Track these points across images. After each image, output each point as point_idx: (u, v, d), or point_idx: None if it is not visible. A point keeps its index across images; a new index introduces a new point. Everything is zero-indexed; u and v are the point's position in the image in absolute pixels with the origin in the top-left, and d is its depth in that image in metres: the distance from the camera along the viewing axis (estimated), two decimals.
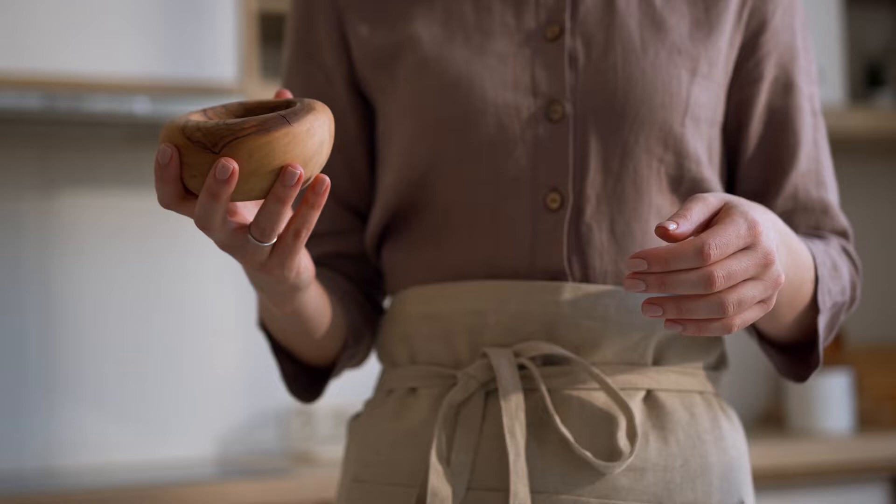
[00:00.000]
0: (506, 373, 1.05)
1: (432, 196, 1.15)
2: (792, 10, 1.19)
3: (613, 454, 1.07)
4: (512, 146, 1.12)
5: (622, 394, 1.09)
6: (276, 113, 0.89)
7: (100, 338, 2.72)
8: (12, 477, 2.57)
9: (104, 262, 2.73)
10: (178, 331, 2.76)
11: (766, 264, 0.93)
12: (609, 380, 1.09)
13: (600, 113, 1.12)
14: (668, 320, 0.92)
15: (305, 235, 0.93)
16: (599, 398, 1.09)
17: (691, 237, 0.91)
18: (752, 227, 0.92)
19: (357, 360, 1.26)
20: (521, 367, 1.09)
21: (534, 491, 1.06)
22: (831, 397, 2.86)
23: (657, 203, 1.13)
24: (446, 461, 1.07)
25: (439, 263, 1.15)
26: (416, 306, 1.16)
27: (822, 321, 1.11)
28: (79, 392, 2.69)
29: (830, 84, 2.97)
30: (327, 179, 0.90)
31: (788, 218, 1.18)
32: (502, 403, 1.06)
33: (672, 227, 0.90)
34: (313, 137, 0.89)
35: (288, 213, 0.91)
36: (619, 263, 1.12)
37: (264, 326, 1.21)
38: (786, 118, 1.19)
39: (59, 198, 2.71)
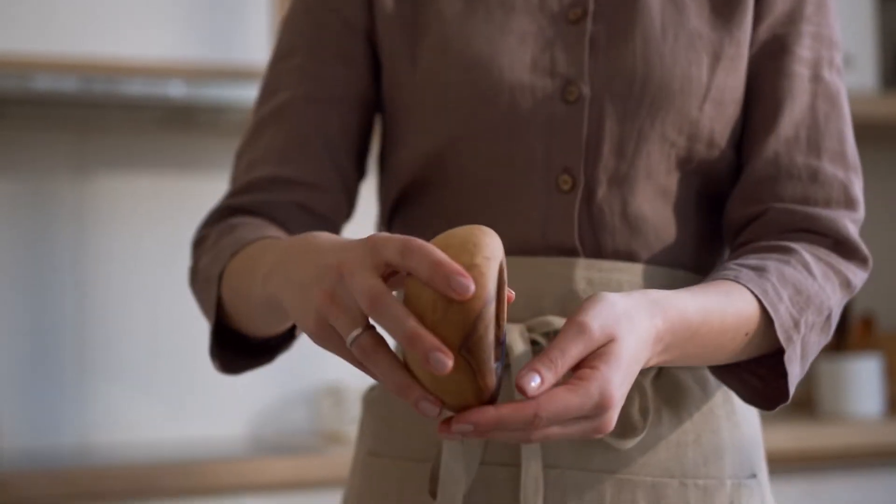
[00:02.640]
0: (518, 348, 1.06)
1: (446, 173, 1.16)
2: None
3: (626, 429, 1.08)
4: (526, 126, 1.13)
5: None
6: (497, 372, 0.84)
7: (134, 318, 2.75)
8: (48, 454, 2.61)
9: (138, 243, 2.75)
10: None
11: (597, 430, 0.88)
12: None
13: (617, 96, 1.12)
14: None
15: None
16: None
17: (525, 402, 0.83)
18: (602, 404, 0.86)
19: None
20: (534, 343, 1.09)
21: (546, 466, 1.07)
22: (862, 381, 2.85)
23: (665, 184, 1.14)
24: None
25: None
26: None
27: (791, 356, 1.06)
28: (113, 371, 2.73)
29: (862, 71, 2.96)
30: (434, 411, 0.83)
31: (772, 187, 1.14)
32: (514, 376, 1.06)
33: (533, 383, 0.82)
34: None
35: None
36: (630, 243, 1.12)
37: (203, 279, 1.14)
38: (766, 83, 1.16)
39: (94, 180, 2.74)
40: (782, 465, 2.52)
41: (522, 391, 0.82)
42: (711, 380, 1.14)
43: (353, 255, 0.84)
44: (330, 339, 0.87)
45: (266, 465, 2.31)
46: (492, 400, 0.83)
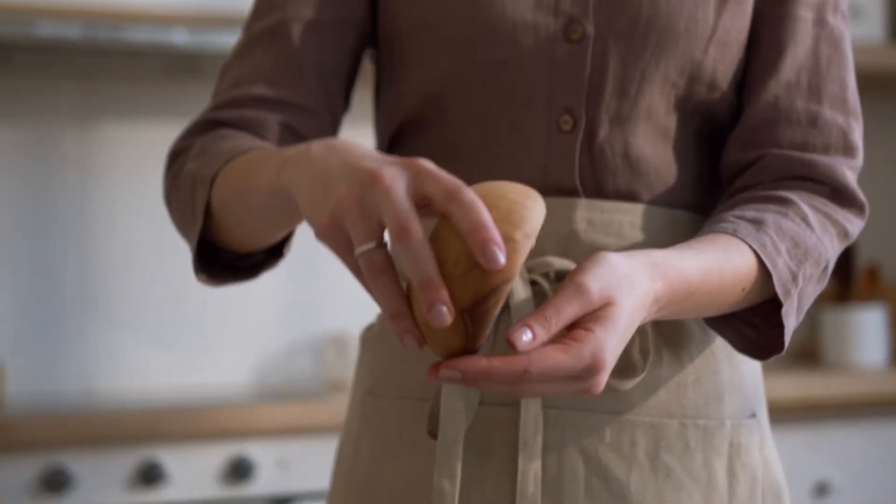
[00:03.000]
0: (518, 289, 1.05)
1: (444, 111, 1.15)
2: None
3: (626, 370, 1.07)
4: (528, 65, 1.12)
5: None
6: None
7: (138, 266, 2.75)
8: (52, 400, 2.62)
9: (143, 190, 2.75)
10: None
11: (585, 392, 0.87)
12: None
13: (621, 37, 1.11)
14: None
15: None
16: None
17: (516, 357, 0.82)
18: (593, 367, 0.85)
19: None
20: (534, 284, 1.08)
21: (545, 406, 1.07)
22: (866, 331, 2.85)
23: (665, 124, 1.13)
24: None
25: (458, 177, 1.14)
26: (427, 222, 1.15)
27: (788, 310, 1.05)
28: (117, 318, 2.73)
29: (869, 21, 2.94)
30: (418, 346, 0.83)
31: (771, 131, 1.13)
32: (514, 319, 1.05)
33: (525, 337, 0.81)
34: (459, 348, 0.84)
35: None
36: (631, 183, 1.12)
37: (193, 180, 1.09)
38: (770, 26, 1.15)
39: (98, 127, 2.74)
40: (786, 414, 2.53)
41: (512, 345, 0.81)
42: None
43: (395, 171, 0.81)
44: (337, 241, 0.84)
45: (270, 411, 2.32)
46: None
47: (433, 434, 1.07)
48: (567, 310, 0.84)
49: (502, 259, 0.78)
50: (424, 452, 1.09)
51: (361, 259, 0.81)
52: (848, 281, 2.94)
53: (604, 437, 1.08)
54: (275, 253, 1.14)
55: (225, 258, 1.15)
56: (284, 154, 0.94)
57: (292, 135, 1.14)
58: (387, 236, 0.81)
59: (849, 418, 2.60)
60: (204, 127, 1.16)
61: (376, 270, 0.81)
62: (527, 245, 0.80)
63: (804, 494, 2.52)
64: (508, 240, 0.79)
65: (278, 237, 1.06)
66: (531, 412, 1.06)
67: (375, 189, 0.80)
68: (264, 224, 1.03)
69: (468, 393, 1.06)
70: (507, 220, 0.80)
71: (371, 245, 0.81)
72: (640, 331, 1.08)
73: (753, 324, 1.09)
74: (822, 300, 3.06)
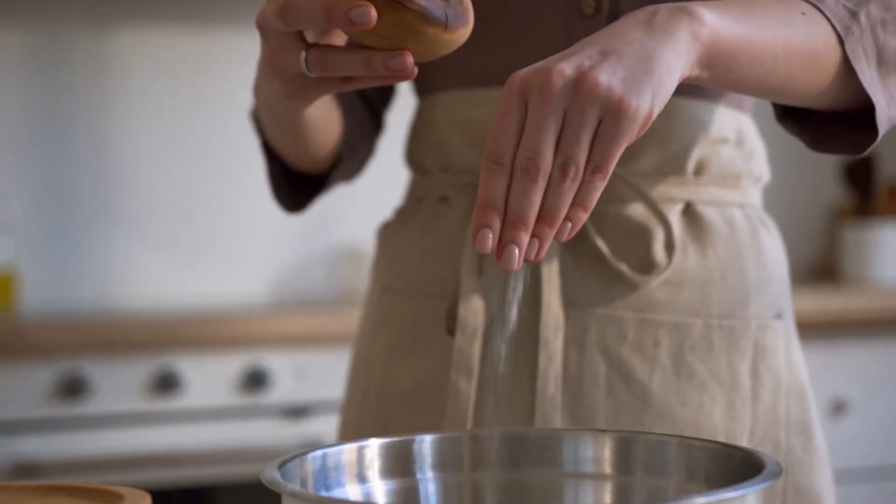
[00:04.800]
0: None
1: None
2: None
3: (650, 267, 1.06)
4: None
5: (660, 206, 1.06)
6: (443, 7, 0.84)
7: (155, 175, 2.74)
8: (68, 307, 2.63)
9: (158, 98, 2.73)
10: (230, 171, 2.78)
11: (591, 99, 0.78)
12: (647, 190, 1.07)
13: None
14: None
15: (346, 89, 0.91)
16: (636, 211, 1.07)
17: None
18: (579, 84, 0.78)
19: (349, 174, 1.23)
20: None
21: (567, 304, 1.05)
22: (887, 247, 2.83)
23: None
24: (478, 273, 1.07)
25: (471, 69, 1.11)
26: (447, 113, 1.13)
27: (854, 49, 0.94)
28: (133, 228, 2.73)
29: None
30: (415, 71, 0.85)
31: None
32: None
33: None
34: (446, 50, 0.87)
35: (363, 78, 0.88)
36: None
37: (256, 119, 1.18)
38: None
39: (112, 33, 2.71)
40: (804, 330, 2.51)
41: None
42: (739, 218, 1.11)
43: None
44: (294, 85, 0.90)
45: (286, 321, 2.32)
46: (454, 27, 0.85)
47: (451, 331, 1.05)
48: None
49: None
50: (441, 351, 1.08)
51: (310, 66, 0.87)
52: (869, 196, 2.92)
53: (626, 336, 1.06)
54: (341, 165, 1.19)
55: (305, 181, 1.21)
56: None
57: None
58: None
59: (868, 335, 2.59)
60: None
61: (323, 59, 0.87)
62: None
63: (820, 411, 2.52)
64: None
65: (320, 139, 1.12)
66: (552, 310, 1.04)
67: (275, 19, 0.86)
68: (278, 110, 1.06)
69: (487, 290, 1.05)
70: None
71: (303, 53, 0.87)
72: (665, 224, 1.06)
73: (835, 121, 1.00)
74: (842, 215, 3.03)
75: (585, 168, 0.77)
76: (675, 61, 0.82)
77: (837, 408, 2.56)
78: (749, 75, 0.90)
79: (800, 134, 1.03)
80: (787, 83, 0.93)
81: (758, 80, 0.91)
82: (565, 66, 0.78)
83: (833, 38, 0.95)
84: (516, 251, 0.77)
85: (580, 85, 0.77)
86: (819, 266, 3.13)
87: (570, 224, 0.78)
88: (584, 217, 0.79)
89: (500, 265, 0.77)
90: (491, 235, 0.77)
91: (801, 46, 0.92)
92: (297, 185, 1.22)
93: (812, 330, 2.52)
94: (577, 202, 0.78)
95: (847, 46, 0.95)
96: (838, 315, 2.55)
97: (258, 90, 1.06)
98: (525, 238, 0.77)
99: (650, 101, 0.79)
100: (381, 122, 1.26)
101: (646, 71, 0.79)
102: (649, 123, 0.80)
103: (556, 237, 0.79)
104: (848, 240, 2.88)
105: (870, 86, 0.95)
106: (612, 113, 0.77)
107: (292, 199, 1.22)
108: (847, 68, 0.95)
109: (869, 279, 2.83)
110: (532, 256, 0.78)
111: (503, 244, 0.77)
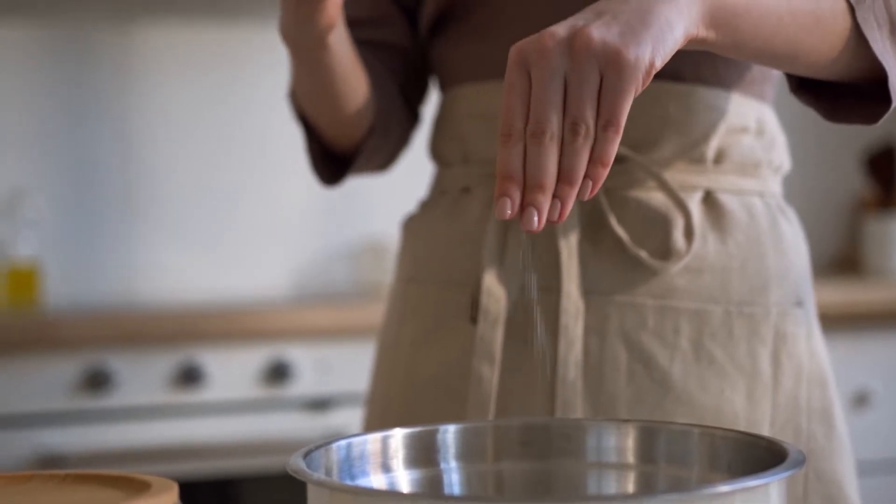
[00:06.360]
0: None
1: None
2: None
3: (670, 254, 1.06)
4: None
5: (680, 193, 1.07)
6: None
7: (177, 169, 2.75)
8: (93, 300, 2.64)
9: (183, 91, 2.74)
10: (253, 165, 2.79)
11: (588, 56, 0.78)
12: (666, 178, 1.07)
13: None
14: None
15: None
16: (656, 198, 1.07)
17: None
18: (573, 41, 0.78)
19: (383, 158, 1.24)
20: None
21: (587, 291, 1.06)
22: None
23: None
24: (500, 261, 1.07)
25: (492, 60, 1.12)
26: (468, 104, 1.14)
27: (866, 17, 0.94)
28: (157, 222, 2.74)
29: None
30: None
31: None
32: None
33: None
34: None
35: None
36: (676, 61, 1.09)
37: (295, 100, 1.20)
38: None
39: (137, 26, 2.72)
40: (826, 322, 2.51)
41: None
42: (758, 207, 1.11)
43: None
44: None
45: (309, 314, 2.33)
46: None
47: (474, 320, 1.06)
48: None
49: None
50: (465, 339, 1.09)
51: None
52: (891, 188, 2.91)
53: (646, 323, 1.06)
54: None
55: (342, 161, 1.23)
56: None
57: (381, 55, 1.22)
58: None
59: (891, 327, 2.58)
60: None
61: None
62: None
63: (843, 403, 2.51)
64: None
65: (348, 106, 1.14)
66: (572, 298, 1.05)
67: None
68: (308, 63, 1.11)
69: (508, 277, 1.05)
70: None
71: None
72: (684, 212, 1.06)
73: (847, 92, 1.01)
74: (864, 207, 3.02)
75: (597, 124, 0.78)
76: (676, 16, 0.82)
77: (860, 400, 2.56)
78: (756, 36, 0.90)
79: (814, 105, 1.03)
80: (794, 47, 0.94)
81: (765, 41, 0.91)
82: (558, 28, 0.79)
83: (842, 5, 0.95)
84: (534, 213, 0.77)
85: (574, 43, 0.78)
86: (841, 258, 3.12)
87: (590, 182, 0.78)
88: (603, 173, 0.79)
89: (522, 227, 0.78)
90: (509, 202, 0.78)
91: (806, 10, 0.92)
92: (333, 160, 1.23)
93: (834, 322, 2.51)
94: (594, 159, 0.78)
95: (858, 15, 0.95)
96: (861, 307, 2.54)
97: (284, 33, 1.07)
98: (543, 200, 0.77)
99: (650, 50, 0.79)
100: (416, 113, 1.26)
101: (642, 23, 0.80)
102: (653, 73, 0.80)
103: (580, 195, 0.79)
104: (870, 232, 2.87)
105: (882, 54, 0.95)
106: (612, 65, 0.77)
107: (328, 172, 1.22)
108: (859, 37, 0.96)
109: (891, 271, 2.82)
110: (555, 217, 0.78)
111: (522, 208, 0.78)
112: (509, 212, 0.78)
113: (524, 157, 0.78)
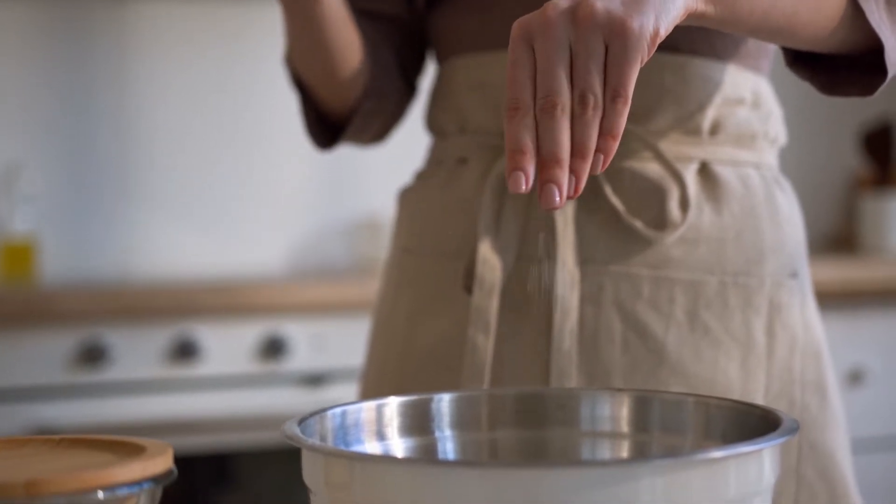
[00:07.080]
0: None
1: None
2: None
3: (665, 225, 1.06)
4: None
5: (675, 164, 1.07)
6: None
7: (173, 145, 2.74)
8: (90, 275, 2.64)
9: (179, 69, 2.74)
10: (250, 141, 2.78)
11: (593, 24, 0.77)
12: (662, 149, 1.07)
13: None
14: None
15: None
16: (652, 169, 1.07)
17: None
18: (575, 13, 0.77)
19: (378, 126, 1.23)
20: None
21: (582, 261, 1.06)
22: None
23: None
24: (495, 231, 1.07)
25: (488, 31, 1.12)
26: (465, 75, 1.14)
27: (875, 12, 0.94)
28: (152, 197, 2.74)
29: None
30: None
31: None
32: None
33: None
34: None
35: None
36: (672, 33, 1.09)
37: (291, 63, 1.20)
38: None
39: (132, 4, 2.71)
40: (822, 300, 2.51)
41: None
42: (754, 178, 1.11)
43: None
44: None
45: (305, 290, 2.33)
46: None
47: (469, 289, 1.06)
48: None
49: None
50: (461, 309, 1.09)
51: None
52: (888, 166, 2.91)
53: (642, 293, 1.07)
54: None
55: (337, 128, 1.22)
56: None
57: (378, 26, 1.21)
58: None
59: (886, 305, 2.59)
60: None
61: None
62: None
63: (839, 381, 2.52)
64: None
65: (342, 68, 1.14)
66: (567, 267, 1.05)
67: None
68: (302, 25, 1.11)
69: (505, 248, 1.05)
70: None
71: None
72: (679, 182, 1.06)
73: (841, 63, 1.01)
74: (860, 185, 3.02)
75: (605, 96, 0.77)
76: None
77: (856, 377, 2.56)
78: (753, 10, 0.90)
79: (810, 78, 1.03)
80: (792, 20, 0.93)
81: (762, 15, 0.91)
82: (560, 0, 0.78)
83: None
84: (555, 189, 0.76)
85: (577, 14, 0.77)
86: (838, 236, 3.12)
87: (601, 155, 0.78)
88: (614, 145, 0.78)
89: (541, 205, 0.76)
90: (523, 176, 0.76)
91: None
92: (328, 127, 1.23)
93: (831, 300, 2.52)
94: (604, 131, 0.77)
95: None
96: (857, 285, 2.54)
97: None
98: (561, 175, 0.76)
99: (653, 18, 0.78)
100: (412, 85, 1.26)
101: None
102: (657, 42, 0.79)
103: (592, 170, 0.78)
104: (866, 210, 2.87)
105: (878, 25, 0.95)
106: (617, 35, 0.77)
107: (323, 137, 1.22)
108: (855, 8, 0.96)
109: (888, 249, 2.82)
110: (571, 192, 0.77)
111: (541, 184, 0.76)
112: (524, 186, 0.76)
113: (535, 131, 0.77)
